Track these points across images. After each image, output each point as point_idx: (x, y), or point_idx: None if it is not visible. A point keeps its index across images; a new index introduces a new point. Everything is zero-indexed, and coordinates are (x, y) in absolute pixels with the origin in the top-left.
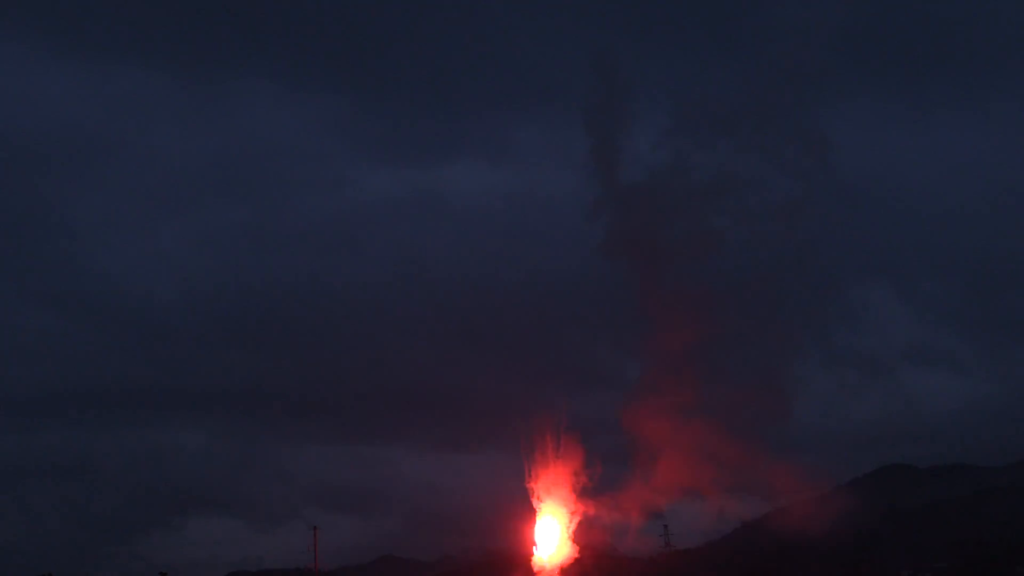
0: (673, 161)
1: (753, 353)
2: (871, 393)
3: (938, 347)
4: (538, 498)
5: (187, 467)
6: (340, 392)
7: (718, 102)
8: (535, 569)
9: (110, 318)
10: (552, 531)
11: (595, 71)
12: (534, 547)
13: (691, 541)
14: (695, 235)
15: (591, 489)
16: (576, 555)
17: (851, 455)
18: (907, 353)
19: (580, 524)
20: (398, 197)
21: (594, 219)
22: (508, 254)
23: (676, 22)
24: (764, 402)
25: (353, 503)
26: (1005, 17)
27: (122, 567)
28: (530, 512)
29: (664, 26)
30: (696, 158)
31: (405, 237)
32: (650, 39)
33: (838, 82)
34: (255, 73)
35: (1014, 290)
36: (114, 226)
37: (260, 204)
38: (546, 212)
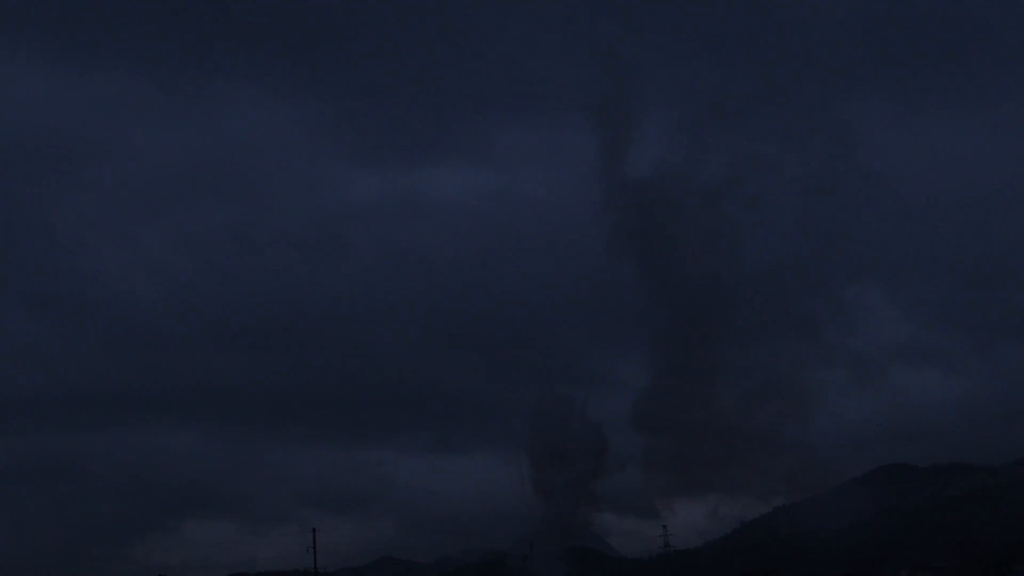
0: (683, 155)
1: (764, 353)
2: (867, 393)
3: (933, 346)
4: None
5: (179, 469)
6: (332, 393)
7: (727, 97)
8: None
9: (95, 321)
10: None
11: (603, 65)
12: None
13: (690, 541)
14: (704, 230)
15: (601, 486)
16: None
17: (849, 454)
18: (902, 352)
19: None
20: (382, 198)
21: (602, 216)
22: (494, 254)
23: (666, 21)
24: (781, 403)
25: (348, 505)
26: (1003, 17)
27: (116, 570)
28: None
29: (653, 24)
30: (706, 152)
31: (390, 238)
32: (644, 36)
33: (830, 81)
34: (238, 75)
35: (1008, 288)
36: (97, 229)
37: (244, 206)
38: (531, 212)
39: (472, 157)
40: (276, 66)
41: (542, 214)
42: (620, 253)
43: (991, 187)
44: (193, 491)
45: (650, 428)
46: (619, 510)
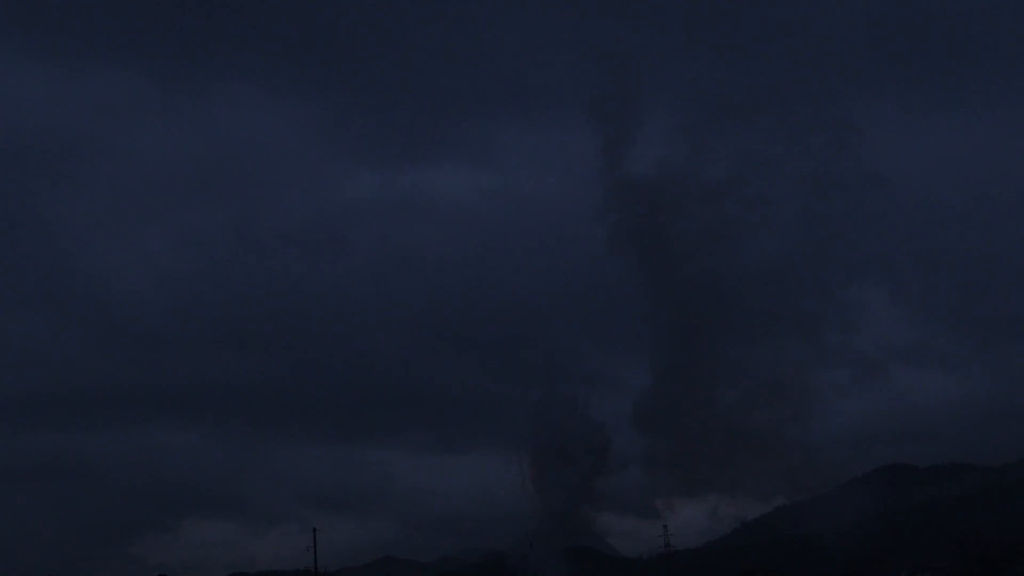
0: (685, 155)
1: (765, 352)
2: (868, 392)
3: (933, 346)
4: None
5: (180, 469)
6: (332, 393)
7: (728, 97)
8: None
9: (95, 320)
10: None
11: (603, 65)
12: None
13: (690, 541)
14: (705, 230)
15: (602, 485)
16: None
17: (850, 454)
18: (903, 352)
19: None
20: (382, 198)
21: (603, 215)
22: (494, 254)
23: (667, 21)
24: (782, 403)
25: (348, 505)
26: (1004, 19)
27: (116, 570)
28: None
29: (654, 24)
30: (707, 152)
31: (389, 238)
32: (645, 36)
33: (831, 82)
34: (238, 75)
35: (1008, 288)
36: (97, 228)
37: (244, 206)
38: (531, 212)
39: (472, 157)
40: (276, 66)
41: (542, 214)
42: (621, 253)
43: (991, 187)
44: (193, 491)
45: (651, 428)
46: (619, 510)
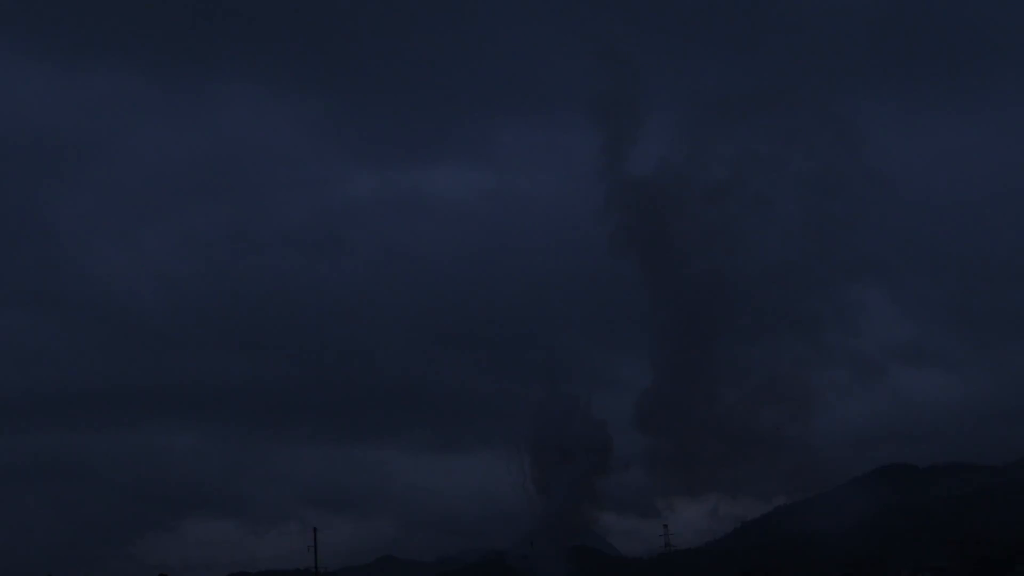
0: (686, 154)
1: (766, 352)
2: (869, 392)
3: (933, 346)
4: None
5: (180, 469)
6: (332, 393)
7: (729, 96)
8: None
9: (95, 321)
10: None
11: (604, 64)
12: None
13: (690, 541)
14: (706, 229)
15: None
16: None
17: (850, 454)
18: (903, 352)
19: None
20: (382, 198)
21: (604, 215)
22: (494, 254)
23: (668, 20)
24: (783, 403)
25: (348, 505)
26: (1004, 18)
27: (116, 569)
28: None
29: (655, 23)
30: (708, 151)
31: (389, 238)
32: (646, 35)
33: (833, 81)
34: (237, 75)
35: (1008, 288)
36: (97, 229)
37: (243, 206)
38: (531, 212)
39: (472, 157)
40: (276, 66)
41: (542, 214)
42: (622, 252)
43: (991, 187)
44: (193, 491)
45: (652, 428)
46: (620, 509)
